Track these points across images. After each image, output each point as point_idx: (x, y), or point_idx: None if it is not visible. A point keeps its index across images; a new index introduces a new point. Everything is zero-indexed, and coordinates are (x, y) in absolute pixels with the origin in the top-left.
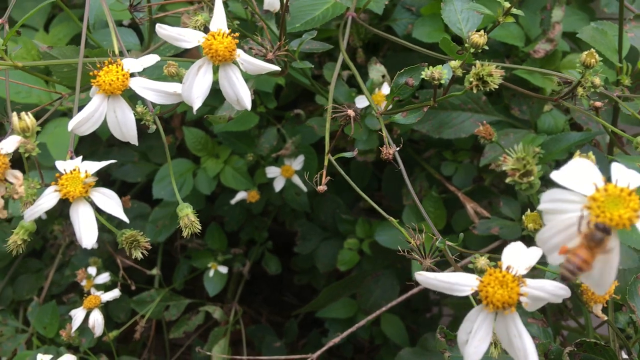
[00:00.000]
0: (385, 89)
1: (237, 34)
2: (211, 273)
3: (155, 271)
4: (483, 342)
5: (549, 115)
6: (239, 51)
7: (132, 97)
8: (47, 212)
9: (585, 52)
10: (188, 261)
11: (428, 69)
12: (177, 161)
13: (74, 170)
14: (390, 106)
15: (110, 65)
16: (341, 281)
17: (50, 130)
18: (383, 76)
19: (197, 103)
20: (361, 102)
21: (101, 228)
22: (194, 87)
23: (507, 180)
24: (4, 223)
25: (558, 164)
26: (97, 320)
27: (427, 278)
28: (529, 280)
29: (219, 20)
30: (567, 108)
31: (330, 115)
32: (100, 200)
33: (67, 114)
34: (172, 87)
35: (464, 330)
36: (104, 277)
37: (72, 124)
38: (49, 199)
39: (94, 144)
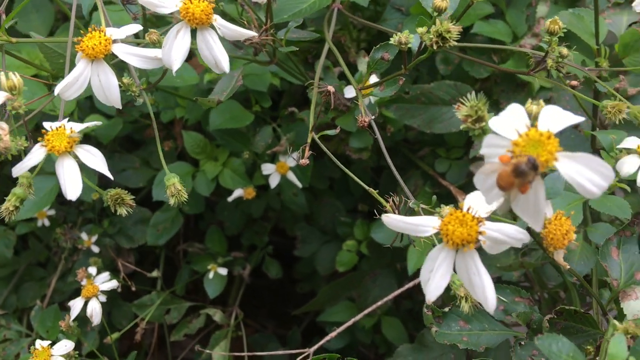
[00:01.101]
0: (373, 79)
1: None
2: (211, 275)
3: (155, 273)
4: (443, 279)
5: None
6: (216, 16)
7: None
8: (50, 219)
9: (549, 20)
10: (189, 266)
11: (396, 35)
12: (176, 164)
13: (60, 127)
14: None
15: (93, 32)
16: (339, 280)
17: None
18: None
19: (176, 65)
20: (349, 92)
21: (103, 234)
22: (173, 50)
23: (461, 127)
24: (8, 230)
25: None
26: (94, 309)
27: (393, 220)
28: (488, 222)
29: None
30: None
31: (315, 91)
32: (85, 157)
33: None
34: (153, 52)
35: (427, 270)
36: (104, 277)
37: (58, 89)
38: (36, 155)
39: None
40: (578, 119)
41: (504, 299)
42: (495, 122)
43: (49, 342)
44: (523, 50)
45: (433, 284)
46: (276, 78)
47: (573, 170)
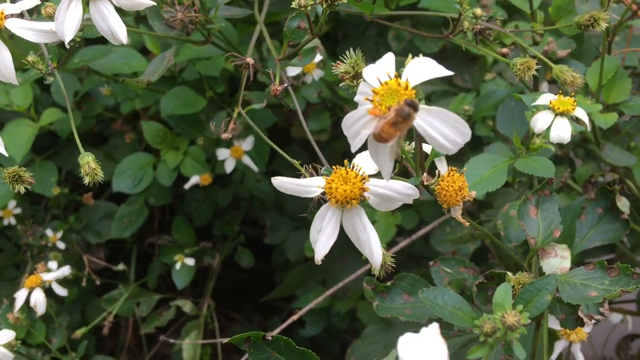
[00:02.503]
0: (316, 57)
1: None
2: (178, 266)
3: (121, 267)
4: (330, 238)
5: (491, 83)
6: None
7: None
8: (17, 217)
9: None
10: (160, 259)
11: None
12: (137, 155)
13: None
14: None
15: None
16: (305, 265)
17: (10, 130)
18: (316, 47)
19: (68, 36)
20: (292, 71)
21: (70, 229)
22: (66, 22)
23: (341, 85)
24: None
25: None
26: (38, 299)
27: (282, 182)
28: (375, 179)
29: None
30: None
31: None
32: None
33: (25, 113)
34: (47, 26)
35: (315, 230)
36: (65, 271)
37: None
38: None
39: (56, 144)
40: (445, 72)
41: (448, 270)
42: (367, 71)
43: None
44: (437, 14)
45: (321, 243)
46: (229, 63)
47: (427, 123)
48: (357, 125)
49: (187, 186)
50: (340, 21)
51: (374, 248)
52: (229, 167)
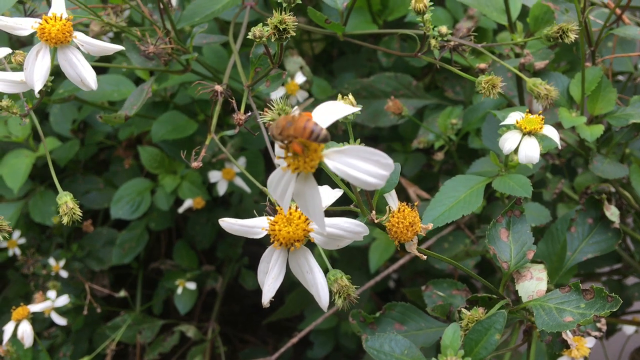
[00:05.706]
0: (299, 78)
1: (71, 17)
2: (180, 290)
3: (123, 293)
4: (277, 281)
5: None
6: (77, 33)
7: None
8: (21, 247)
9: None
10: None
11: (251, 31)
12: (135, 180)
13: None
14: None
15: None
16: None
17: (8, 161)
18: (301, 67)
19: (37, 85)
20: (275, 94)
21: (73, 257)
22: (35, 71)
23: (270, 133)
24: None
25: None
26: (25, 331)
27: (229, 223)
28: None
29: (57, 7)
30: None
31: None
32: None
33: (24, 144)
34: (18, 76)
35: (262, 272)
36: (64, 300)
37: None
38: None
39: (58, 172)
40: (351, 109)
41: (441, 294)
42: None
43: None
44: (405, 32)
45: (267, 286)
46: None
47: (345, 164)
48: (282, 185)
49: (181, 210)
50: (335, 39)
51: (320, 290)
52: (222, 189)
